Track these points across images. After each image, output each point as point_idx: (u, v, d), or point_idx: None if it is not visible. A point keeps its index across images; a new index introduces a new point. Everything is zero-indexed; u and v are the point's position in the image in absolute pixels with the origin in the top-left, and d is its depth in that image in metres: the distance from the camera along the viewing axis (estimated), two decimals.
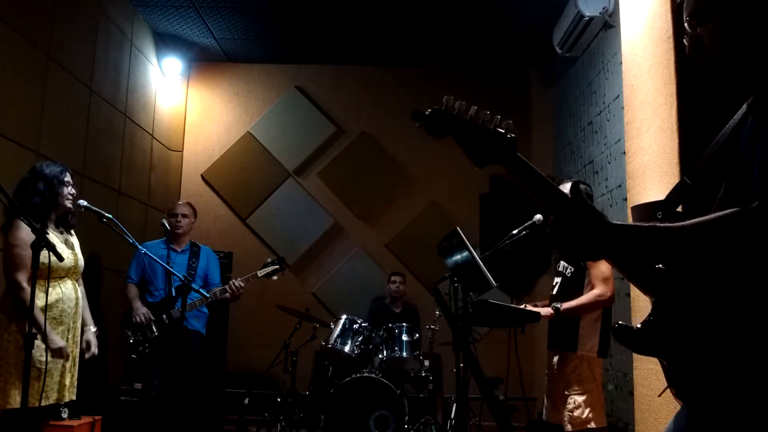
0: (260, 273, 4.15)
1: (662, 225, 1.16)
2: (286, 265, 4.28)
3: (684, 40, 1.29)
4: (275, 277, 4.19)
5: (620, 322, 1.31)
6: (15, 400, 2.70)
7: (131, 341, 3.96)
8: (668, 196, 1.45)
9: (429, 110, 1.27)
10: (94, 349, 3.17)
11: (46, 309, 2.78)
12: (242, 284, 4.04)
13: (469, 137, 1.26)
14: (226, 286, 4.04)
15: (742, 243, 1.09)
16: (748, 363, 1.13)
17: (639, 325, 1.29)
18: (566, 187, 1.32)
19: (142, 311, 3.98)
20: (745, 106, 1.29)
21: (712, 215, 1.11)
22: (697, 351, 1.20)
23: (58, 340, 2.83)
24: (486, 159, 1.26)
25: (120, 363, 4.74)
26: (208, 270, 4.32)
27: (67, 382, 2.95)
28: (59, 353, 2.82)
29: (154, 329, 3.96)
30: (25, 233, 2.73)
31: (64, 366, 2.91)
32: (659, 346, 1.27)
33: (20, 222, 2.75)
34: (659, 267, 1.30)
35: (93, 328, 3.20)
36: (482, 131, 1.25)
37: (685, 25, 1.28)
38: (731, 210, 1.10)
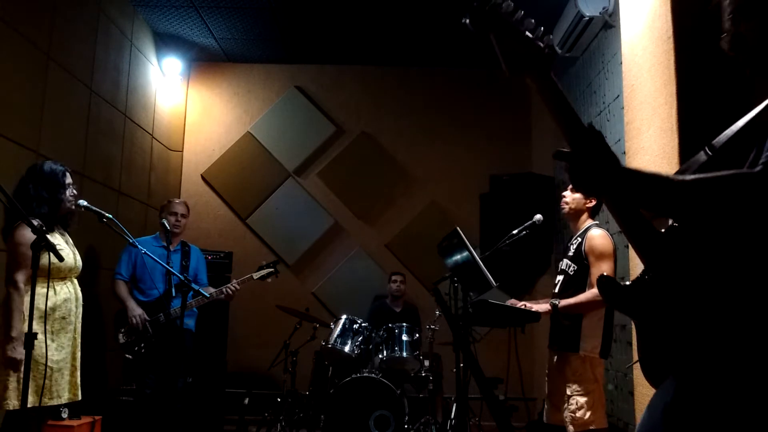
0: (255, 275, 4.28)
1: (666, 175, 1.14)
2: (285, 265, 4.31)
3: (723, 41, 1.25)
4: (269, 280, 4.32)
5: (606, 274, 1.28)
6: (13, 403, 2.67)
7: (125, 341, 3.96)
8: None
9: (476, 2, 1.23)
10: None
11: (46, 310, 2.76)
12: (237, 287, 4.15)
13: (509, 41, 1.23)
14: (222, 288, 4.09)
15: (739, 204, 1.08)
16: (738, 331, 1.11)
17: (628, 282, 1.26)
18: None
19: (137, 312, 3.97)
20: None
21: (715, 173, 1.10)
22: (686, 315, 1.16)
23: (19, 352, 2.66)
24: (519, 68, 1.24)
25: (119, 363, 4.73)
26: (198, 270, 4.38)
27: (78, 380, 2.95)
28: (14, 365, 2.67)
29: (149, 329, 3.96)
30: (31, 233, 2.73)
31: (73, 365, 2.91)
32: (645, 307, 1.24)
33: (25, 223, 2.74)
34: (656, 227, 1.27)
35: None
36: (523, 39, 1.22)
37: (727, 21, 1.23)
38: (734, 171, 1.09)
